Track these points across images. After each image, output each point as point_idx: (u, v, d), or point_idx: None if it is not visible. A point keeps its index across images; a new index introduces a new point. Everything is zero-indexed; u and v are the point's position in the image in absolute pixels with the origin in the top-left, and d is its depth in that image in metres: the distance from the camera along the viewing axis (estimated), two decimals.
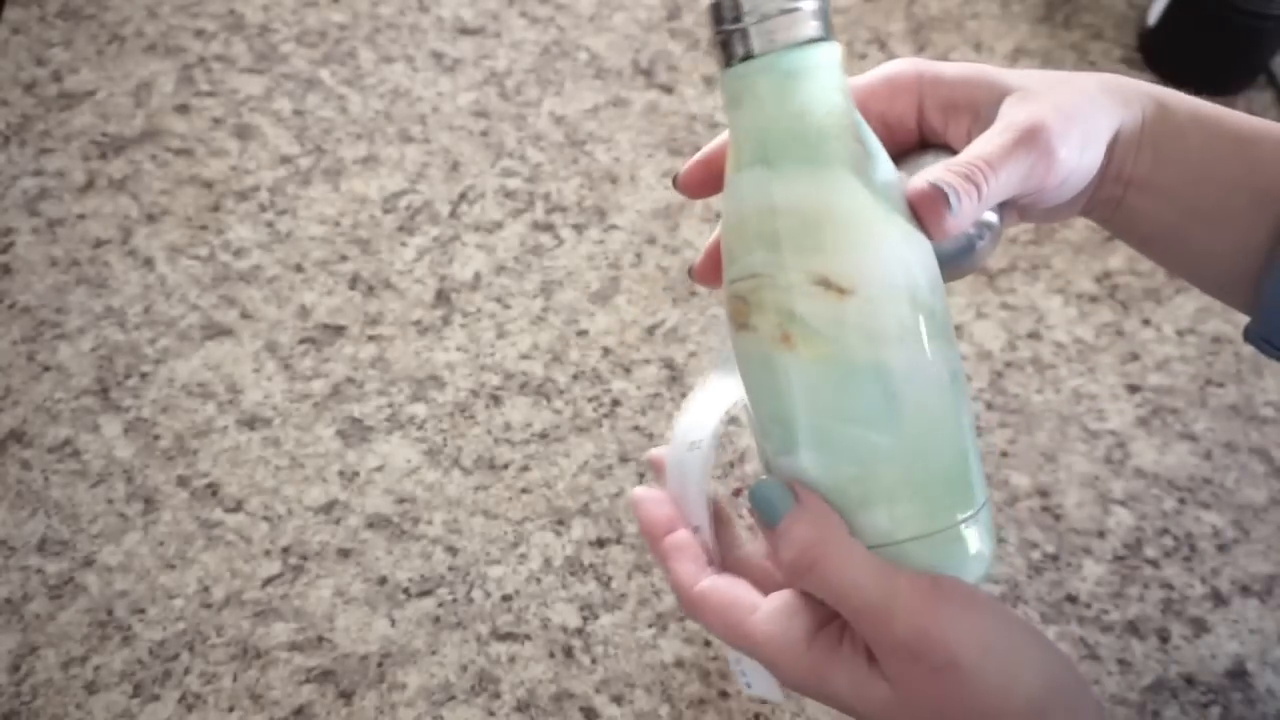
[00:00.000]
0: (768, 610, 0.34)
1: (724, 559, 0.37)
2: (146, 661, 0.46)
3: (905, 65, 0.38)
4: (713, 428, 0.37)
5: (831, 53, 0.34)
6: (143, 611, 0.47)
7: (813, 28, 0.33)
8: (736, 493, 0.47)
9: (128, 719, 0.45)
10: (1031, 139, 0.34)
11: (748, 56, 0.33)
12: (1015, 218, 0.39)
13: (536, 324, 0.56)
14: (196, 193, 0.59)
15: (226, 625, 0.47)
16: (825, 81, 0.34)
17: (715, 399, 0.38)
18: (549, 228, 0.59)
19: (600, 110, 0.63)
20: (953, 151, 0.37)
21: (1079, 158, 0.36)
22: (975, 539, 0.34)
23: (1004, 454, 0.53)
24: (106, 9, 0.64)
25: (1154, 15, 0.66)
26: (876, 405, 0.32)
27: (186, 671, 0.46)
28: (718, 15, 0.34)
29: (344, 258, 0.57)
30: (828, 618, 0.34)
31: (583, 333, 0.56)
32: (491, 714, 0.46)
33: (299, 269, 0.57)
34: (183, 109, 0.61)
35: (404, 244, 0.58)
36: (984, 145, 0.35)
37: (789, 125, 0.33)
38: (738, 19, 0.33)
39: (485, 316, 0.56)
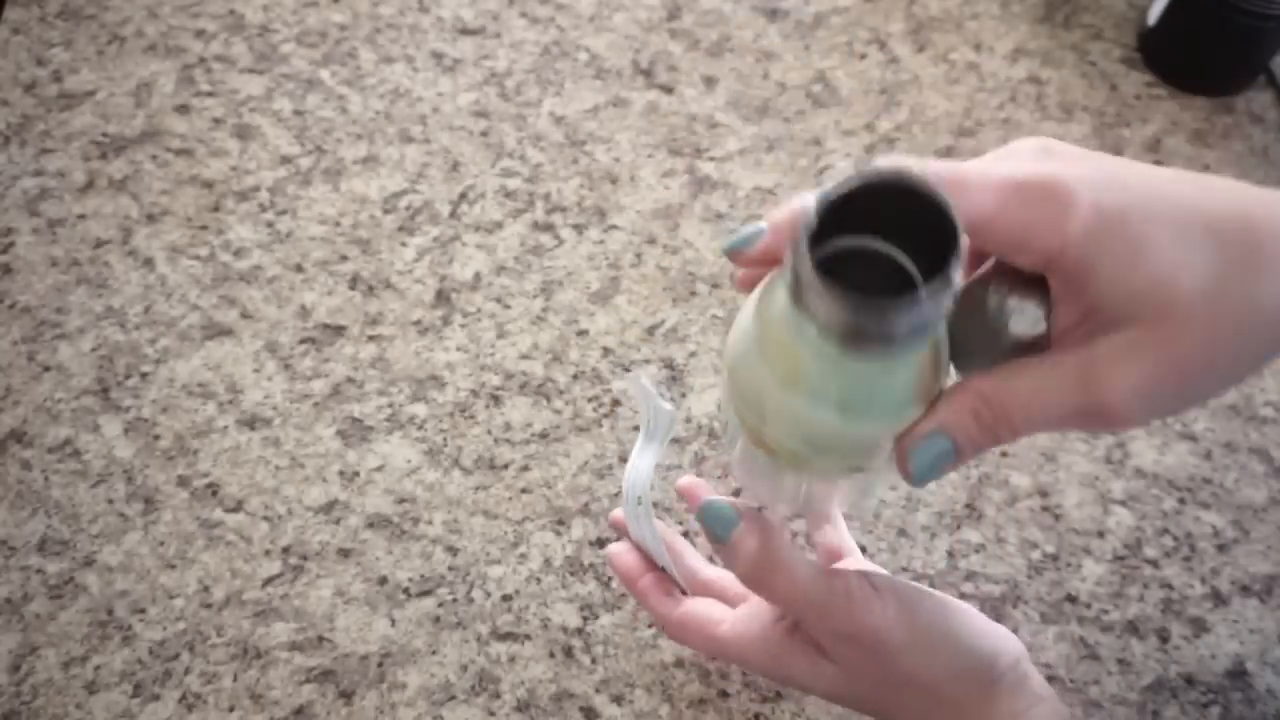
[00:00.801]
0: (732, 620, 0.42)
1: (691, 584, 0.45)
2: (147, 661, 0.46)
3: (1034, 209, 0.31)
4: (647, 480, 0.42)
5: (939, 325, 0.32)
6: (143, 611, 0.47)
7: (920, 327, 0.30)
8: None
9: (128, 719, 0.45)
10: (1094, 414, 0.32)
11: (843, 345, 0.31)
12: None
13: (536, 324, 0.56)
14: (197, 193, 0.59)
15: (227, 625, 0.47)
16: (918, 359, 0.32)
17: (645, 456, 0.43)
18: (549, 228, 0.59)
19: (600, 110, 0.63)
20: (1031, 289, 0.33)
21: (1180, 406, 0.32)
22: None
23: (1004, 454, 0.53)
24: (107, 9, 0.64)
25: (1154, 15, 0.66)
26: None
27: (187, 671, 0.46)
28: (855, 317, 0.29)
29: (344, 258, 0.57)
30: (781, 615, 0.41)
31: (583, 333, 0.56)
32: (491, 714, 0.46)
33: (299, 269, 0.57)
34: (183, 109, 0.61)
35: (404, 244, 0.58)
36: (1038, 391, 0.32)
37: (872, 393, 0.32)
38: (839, 324, 0.30)
39: (485, 316, 0.56)
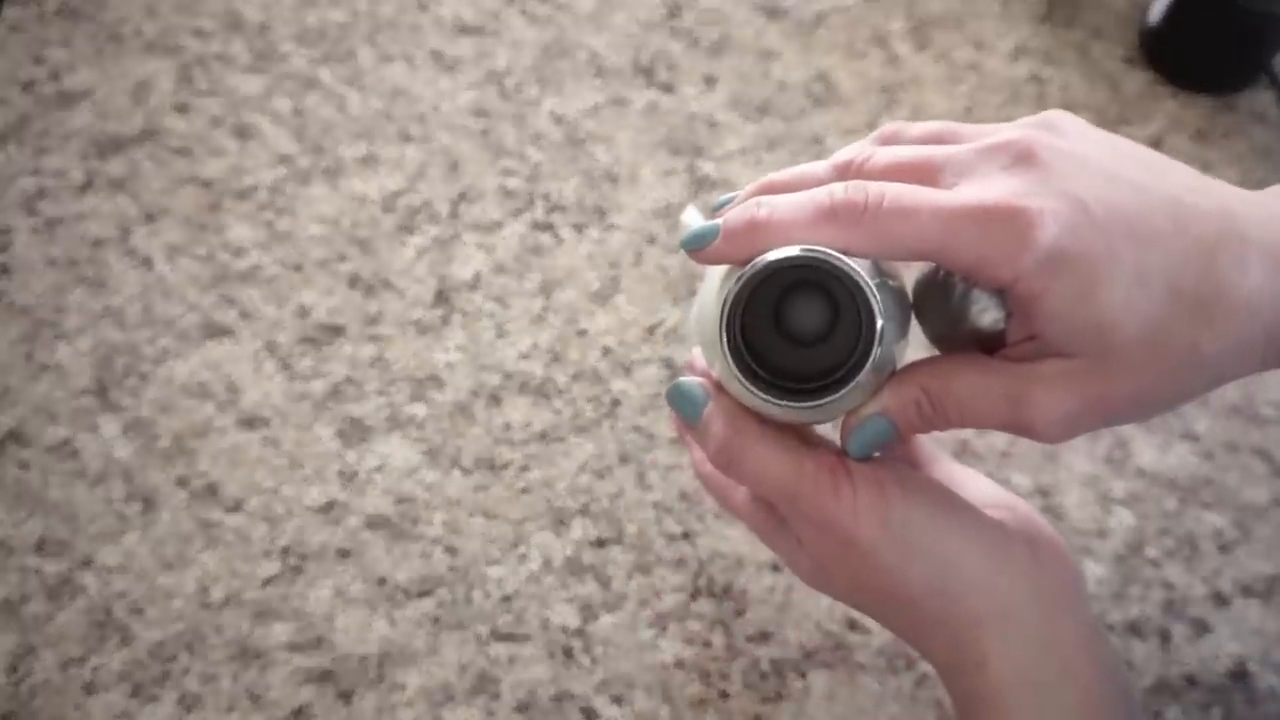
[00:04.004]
0: (742, 493, 0.41)
1: None
2: (145, 662, 0.46)
3: (998, 232, 0.32)
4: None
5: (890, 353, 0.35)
6: (141, 612, 0.47)
7: (864, 380, 0.34)
8: None
9: None
10: (1022, 429, 0.34)
11: (783, 404, 0.34)
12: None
13: (536, 324, 0.56)
14: (195, 192, 0.58)
15: (226, 626, 0.47)
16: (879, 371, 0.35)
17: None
18: (549, 227, 0.59)
19: (600, 109, 0.63)
20: (997, 292, 0.34)
21: (1128, 418, 0.35)
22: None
23: (1004, 454, 0.53)
24: (105, 8, 0.64)
25: (1156, 14, 0.66)
26: None
27: (185, 672, 0.46)
28: (786, 392, 0.34)
29: (343, 257, 0.57)
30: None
31: (583, 332, 0.56)
32: (491, 714, 0.46)
33: (298, 269, 0.57)
34: (182, 108, 0.61)
35: (403, 244, 0.58)
36: (977, 390, 0.34)
37: (823, 414, 0.36)
38: (800, 397, 0.34)
39: (485, 316, 0.56)
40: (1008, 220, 0.31)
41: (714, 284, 0.37)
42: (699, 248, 0.35)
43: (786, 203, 0.34)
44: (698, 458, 0.44)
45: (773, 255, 0.33)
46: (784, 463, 0.36)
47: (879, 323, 0.32)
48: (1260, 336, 0.32)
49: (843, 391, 0.33)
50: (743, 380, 0.34)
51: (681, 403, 0.37)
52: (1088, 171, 0.32)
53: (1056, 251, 0.31)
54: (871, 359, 0.33)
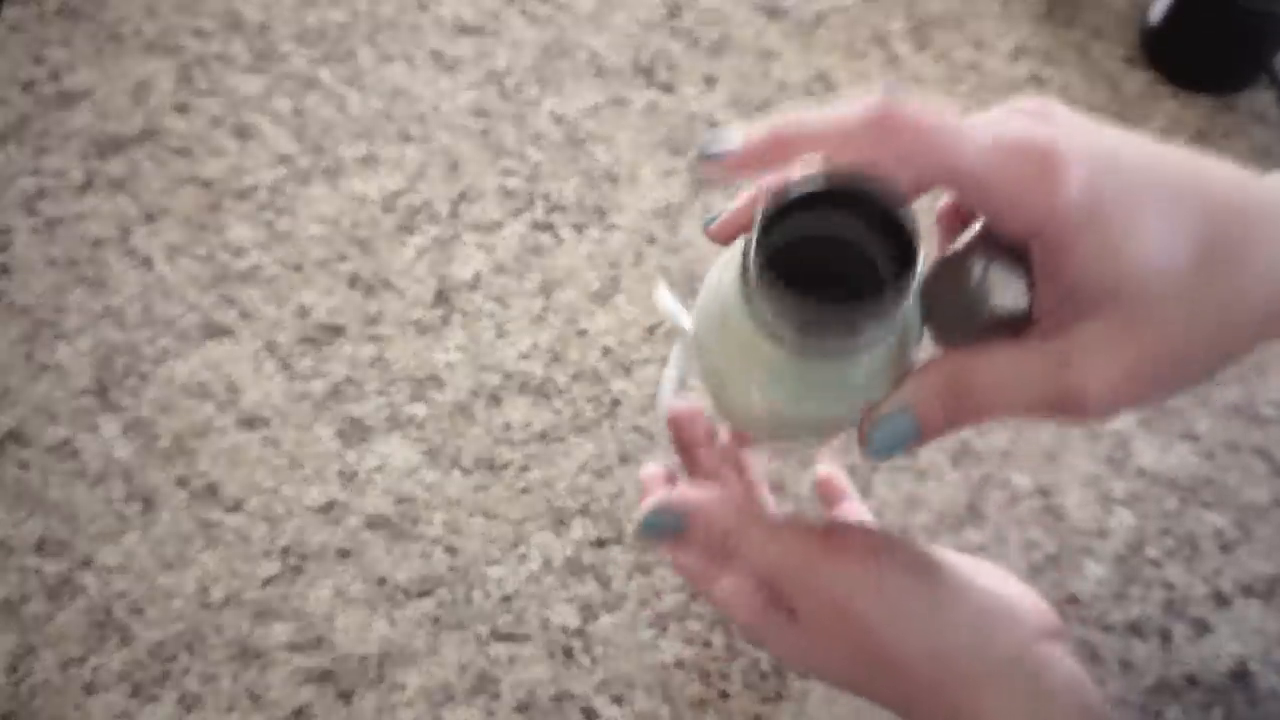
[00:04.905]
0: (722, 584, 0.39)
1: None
2: (145, 662, 0.46)
3: (1015, 165, 0.31)
4: (669, 389, 0.44)
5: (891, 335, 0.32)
6: (141, 612, 0.47)
7: (878, 331, 0.31)
8: None
9: None
10: (1062, 401, 0.31)
11: (795, 353, 0.31)
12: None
13: (536, 324, 0.56)
14: (195, 192, 0.58)
15: (225, 626, 0.47)
16: (883, 354, 0.33)
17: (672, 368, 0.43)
18: (549, 227, 0.59)
19: (600, 110, 0.63)
20: (1016, 263, 0.32)
21: (1156, 396, 0.32)
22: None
23: (1005, 454, 0.53)
24: (105, 8, 0.64)
25: (1156, 14, 0.66)
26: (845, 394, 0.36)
27: (185, 672, 0.46)
28: (806, 320, 0.31)
29: (343, 257, 0.57)
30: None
31: (583, 332, 0.56)
32: (491, 714, 0.46)
33: (298, 269, 0.56)
34: (182, 108, 0.61)
35: (403, 244, 0.58)
36: (1007, 371, 0.32)
37: (830, 390, 0.33)
38: (820, 336, 0.31)
39: (485, 316, 0.56)
40: (1043, 156, 0.30)
41: (721, 271, 0.35)
42: (717, 154, 0.32)
43: (817, 114, 0.31)
44: (680, 561, 0.42)
45: (801, 177, 0.30)
46: (784, 538, 0.35)
47: (918, 249, 0.29)
48: None
49: (879, 327, 0.30)
50: (772, 320, 0.31)
51: (662, 519, 0.37)
52: (1105, 133, 0.32)
53: (1090, 190, 0.30)
54: (911, 286, 0.30)
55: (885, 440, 0.32)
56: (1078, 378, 0.30)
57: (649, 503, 0.37)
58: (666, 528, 0.37)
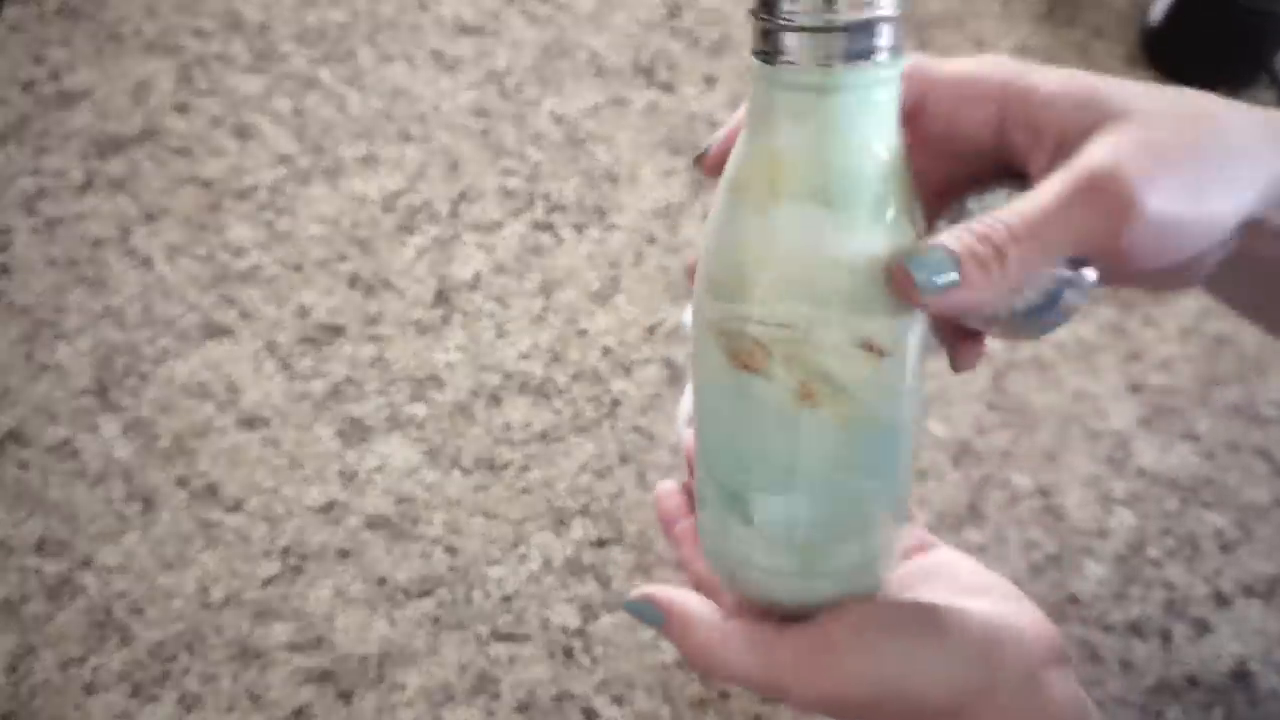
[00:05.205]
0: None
1: None
2: (145, 662, 0.46)
3: (993, 68, 0.32)
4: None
5: (900, 73, 0.29)
6: (141, 612, 0.47)
7: (896, 40, 0.28)
8: None
9: None
10: (1097, 190, 0.28)
11: (820, 64, 0.28)
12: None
13: (536, 324, 0.56)
14: (195, 192, 0.58)
15: (225, 626, 0.47)
16: (896, 111, 0.29)
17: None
18: (549, 227, 0.59)
19: (600, 109, 0.63)
20: (1026, 185, 0.31)
21: (1187, 208, 0.29)
22: (902, 545, 0.36)
23: (1005, 454, 0.53)
24: (105, 8, 0.64)
25: (1156, 13, 0.66)
26: (880, 457, 0.32)
27: (185, 672, 0.46)
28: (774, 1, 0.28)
29: (343, 257, 0.57)
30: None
31: (583, 332, 0.56)
32: (491, 714, 0.46)
33: (298, 269, 0.56)
34: (182, 108, 0.61)
35: (403, 244, 0.58)
36: (1031, 200, 0.29)
37: (860, 163, 0.29)
38: (813, 13, 0.27)
39: (485, 316, 0.56)
40: (1004, 74, 0.31)
41: (719, 188, 0.32)
42: (711, 150, 0.34)
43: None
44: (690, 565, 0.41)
45: None
46: (757, 658, 0.34)
47: None
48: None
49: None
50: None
51: (643, 611, 0.36)
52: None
53: (1057, 83, 0.31)
54: None
55: (927, 271, 0.29)
56: (1101, 158, 0.29)
57: (635, 592, 0.37)
58: (647, 619, 0.36)
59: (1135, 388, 0.55)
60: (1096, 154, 0.29)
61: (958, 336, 0.34)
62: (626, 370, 0.55)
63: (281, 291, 0.56)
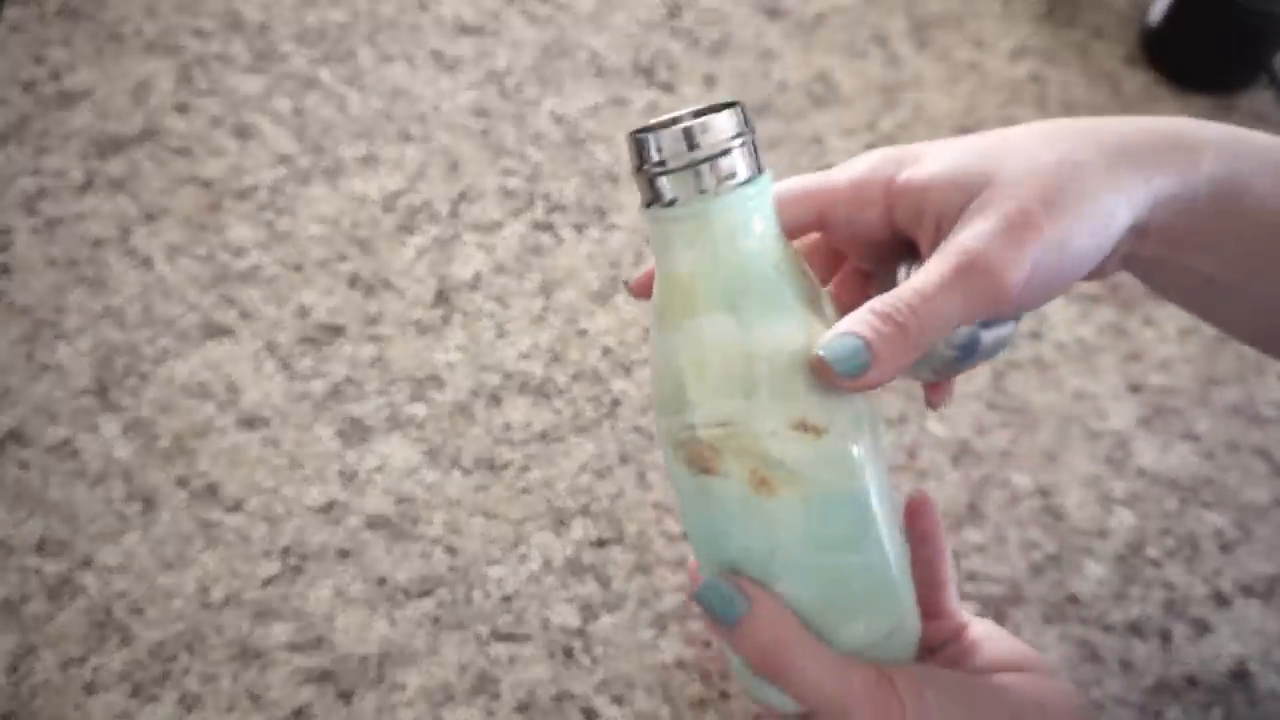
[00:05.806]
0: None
1: None
2: (145, 662, 0.46)
3: (880, 165, 0.36)
4: None
5: (769, 186, 0.34)
6: (141, 612, 0.47)
7: (753, 163, 0.33)
8: None
9: None
10: (969, 272, 0.32)
11: (695, 196, 0.32)
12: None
13: (536, 324, 0.56)
14: (195, 192, 0.58)
15: (226, 626, 0.47)
16: (773, 215, 0.33)
17: None
18: (549, 227, 0.59)
19: (600, 109, 0.63)
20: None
21: (1054, 259, 0.33)
22: (918, 618, 0.37)
23: (1005, 454, 0.53)
24: (105, 8, 0.64)
25: (1156, 14, 0.66)
26: (852, 530, 0.34)
27: (185, 672, 0.46)
28: (644, 153, 0.32)
29: (343, 257, 0.57)
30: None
31: (583, 332, 0.56)
32: (491, 714, 0.46)
33: (298, 269, 0.57)
34: (182, 108, 0.61)
35: (403, 244, 0.58)
36: (921, 277, 0.33)
37: (751, 267, 0.33)
38: (677, 157, 0.32)
39: (485, 316, 0.56)
40: (882, 163, 0.37)
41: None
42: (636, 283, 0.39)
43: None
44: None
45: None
46: (832, 675, 0.34)
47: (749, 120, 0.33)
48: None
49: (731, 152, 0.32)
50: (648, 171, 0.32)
51: (716, 605, 0.34)
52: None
53: (939, 166, 0.36)
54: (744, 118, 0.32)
55: (841, 352, 0.32)
56: (968, 242, 0.33)
57: (714, 575, 0.35)
58: (725, 604, 0.34)
59: (1135, 388, 0.56)
60: (965, 239, 0.33)
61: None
62: (626, 370, 0.55)
63: (281, 291, 0.56)
